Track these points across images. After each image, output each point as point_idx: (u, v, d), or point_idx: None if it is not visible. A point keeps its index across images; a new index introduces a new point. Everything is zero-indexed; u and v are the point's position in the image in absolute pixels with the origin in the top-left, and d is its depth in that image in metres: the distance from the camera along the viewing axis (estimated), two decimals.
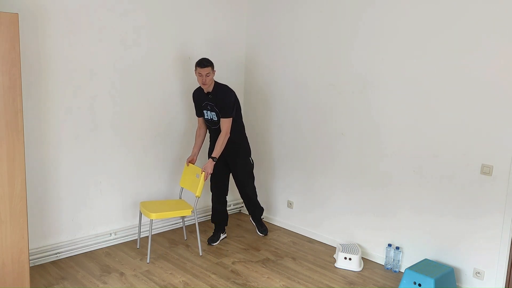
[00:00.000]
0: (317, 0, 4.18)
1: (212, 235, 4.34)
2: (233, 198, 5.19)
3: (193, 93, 4.23)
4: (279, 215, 4.80)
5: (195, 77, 4.54)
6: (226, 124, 4.00)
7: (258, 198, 4.58)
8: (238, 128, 4.19)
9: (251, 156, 4.40)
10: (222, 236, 4.40)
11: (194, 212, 3.93)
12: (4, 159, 2.86)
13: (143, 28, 4.08)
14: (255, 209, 4.53)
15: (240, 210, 5.23)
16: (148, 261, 3.80)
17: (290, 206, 4.66)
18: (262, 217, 4.63)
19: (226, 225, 4.46)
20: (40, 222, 3.70)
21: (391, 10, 3.68)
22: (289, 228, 4.69)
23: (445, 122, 3.46)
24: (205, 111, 4.14)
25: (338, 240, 4.28)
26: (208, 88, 4.01)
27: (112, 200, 4.12)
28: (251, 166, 4.39)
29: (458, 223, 3.46)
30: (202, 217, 4.82)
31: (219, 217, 4.37)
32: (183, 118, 4.52)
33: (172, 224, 4.60)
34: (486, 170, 3.28)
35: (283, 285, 3.55)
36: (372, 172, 3.96)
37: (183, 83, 4.46)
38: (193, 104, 4.25)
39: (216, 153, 3.99)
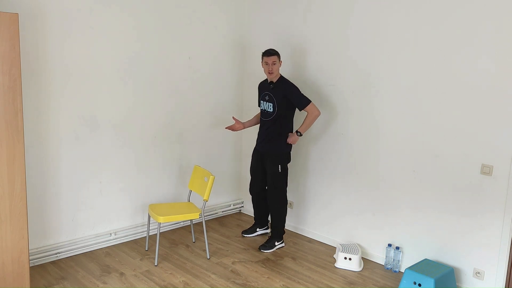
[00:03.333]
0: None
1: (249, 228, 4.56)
2: (233, 198, 5.19)
3: (259, 84, 4.32)
4: None
5: (197, 77, 4.56)
6: (311, 109, 3.95)
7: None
8: (284, 127, 4.06)
9: (284, 165, 4.11)
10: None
11: (202, 216, 3.91)
12: (4, 159, 2.86)
13: (143, 28, 4.08)
14: (272, 220, 4.23)
15: (240, 210, 5.23)
16: (156, 264, 3.79)
17: (290, 206, 4.66)
18: (277, 243, 4.18)
19: (266, 224, 4.52)
20: (40, 222, 3.70)
21: (392, 10, 3.68)
22: (289, 228, 4.68)
23: (445, 122, 3.46)
24: (262, 102, 4.16)
25: (338, 240, 4.28)
26: (273, 78, 4.05)
27: (112, 200, 4.12)
28: (278, 173, 4.08)
29: (458, 223, 3.46)
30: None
31: (254, 209, 4.46)
32: (182, 119, 4.52)
33: (173, 224, 4.60)
34: (486, 170, 3.28)
35: (283, 285, 3.55)
36: (372, 171, 3.96)
37: (183, 82, 4.46)
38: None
39: (302, 128, 3.99)
